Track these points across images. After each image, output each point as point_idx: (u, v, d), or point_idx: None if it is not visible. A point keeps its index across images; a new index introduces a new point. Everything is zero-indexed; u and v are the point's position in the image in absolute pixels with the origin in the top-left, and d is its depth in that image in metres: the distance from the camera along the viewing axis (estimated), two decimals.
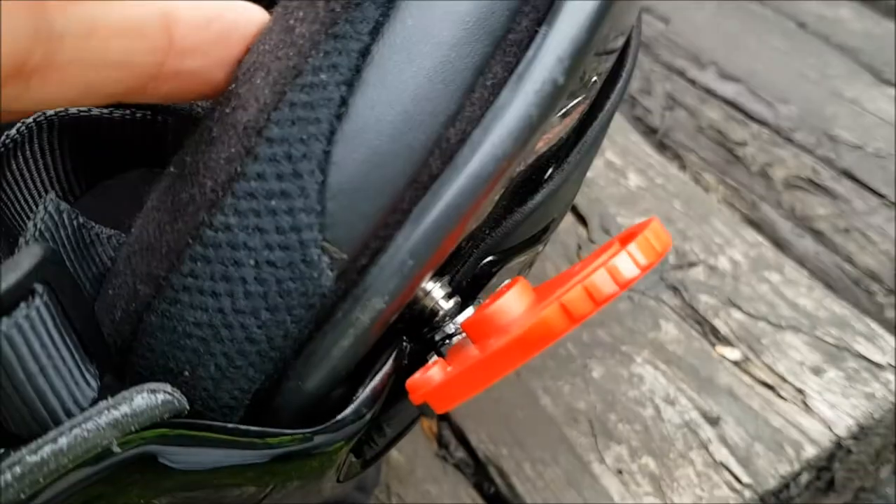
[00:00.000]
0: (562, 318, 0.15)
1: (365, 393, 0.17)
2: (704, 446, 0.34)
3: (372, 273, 0.15)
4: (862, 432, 0.34)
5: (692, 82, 0.52)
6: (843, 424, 0.34)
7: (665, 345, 0.37)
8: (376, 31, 0.15)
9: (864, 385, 0.35)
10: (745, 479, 0.32)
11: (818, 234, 0.42)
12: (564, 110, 0.18)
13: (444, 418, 0.36)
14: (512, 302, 0.17)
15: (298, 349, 0.16)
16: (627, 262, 0.15)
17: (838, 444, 0.33)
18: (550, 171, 0.20)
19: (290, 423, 0.17)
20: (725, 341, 0.38)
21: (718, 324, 0.38)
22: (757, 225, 0.43)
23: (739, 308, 0.39)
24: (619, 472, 0.33)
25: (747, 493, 0.32)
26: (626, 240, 0.17)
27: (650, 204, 0.44)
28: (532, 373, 0.37)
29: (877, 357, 0.36)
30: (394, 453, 0.34)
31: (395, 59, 0.15)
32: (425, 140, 0.15)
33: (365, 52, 0.15)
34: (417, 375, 0.17)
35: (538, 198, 0.19)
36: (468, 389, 0.16)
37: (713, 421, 0.34)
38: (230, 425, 0.16)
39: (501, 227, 0.19)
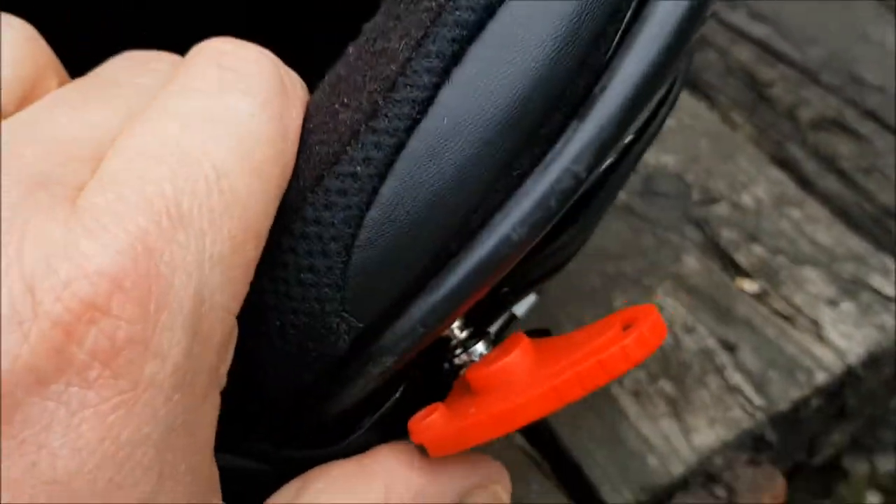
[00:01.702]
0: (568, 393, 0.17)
1: (370, 422, 0.19)
2: (720, 371, 0.35)
3: (386, 336, 0.17)
4: (873, 361, 0.35)
5: (722, 23, 0.52)
6: (855, 353, 0.35)
7: (686, 277, 0.39)
8: (412, 129, 0.16)
9: (876, 317, 0.36)
10: (758, 402, 0.34)
11: (841, 174, 0.43)
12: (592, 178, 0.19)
13: None
14: (516, 363, 0.18)
15: (317, 387, 0.18)
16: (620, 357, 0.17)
17: (849, 373, 0.35)
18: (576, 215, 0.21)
19: (306, 438, 0.19)
20: (745, 274, 0.39)
21: (739, 258, 0.39)
22: (782, 164, 0.44)
23: (760, 243, 0.40)
24: (637, 394, 0.35)
25: (759, 415, 0.33)
26: (625, 321, 0.18)
27: (678, 142, 0.45)
28: (555, 302, 0.38)
29: (890, 291, 0.37)
30: None
31: (426, 154, 0.16)
32: (445, 230, 0.16)
33: (400, 147, 0.16)
34: (419, 418, 0.19)
35: (558, 243, 0.20)
36: (464, 443, 0.18)
37: (730, 348, 0.36)
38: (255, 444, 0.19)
39: (520, 268, 0.20)
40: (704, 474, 0.33)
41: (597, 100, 0.16)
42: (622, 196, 0.43)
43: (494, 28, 0.16)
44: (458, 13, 0.16)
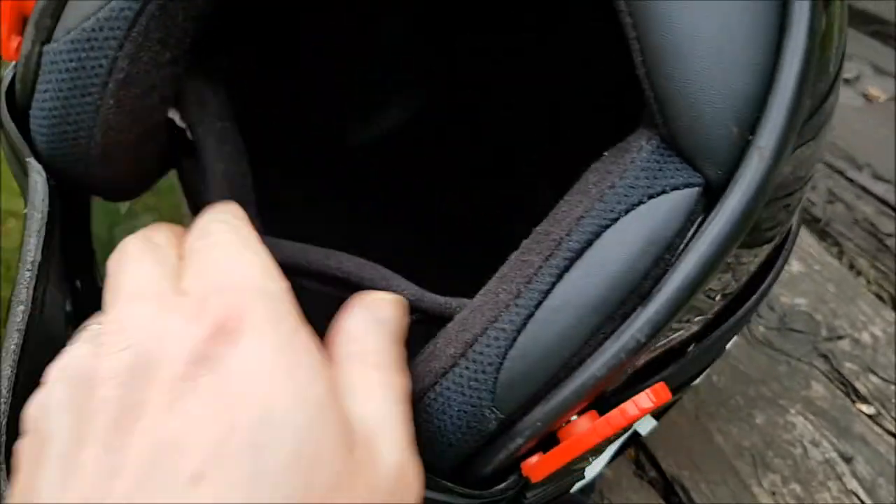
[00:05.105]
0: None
1: (511, 479, 0.27)
2: (839, 478, 0.45)
3: (518, 425, 0.25)
4: None
5: (850, 181, 0.63)
6: None
7: (814, 400, 0.49)
8: (538, 305, 0.24)
9: None
10: (869, 503, 0.44)
11: None
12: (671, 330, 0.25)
13: (641, 447, 0.49)
14: (581, 422, 0.26)
15: (473, 455, 0.26)
16: (633, 407, 0.25)
17: None
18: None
19: (467, 485, 0.27)
20: (863, 399, 0.49)
21: (859, 385, 0.49)
22: None
23: (876, 374, 0.50)
24: (773, 493, 0.45)
25: None
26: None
27: (808, 286, 0.56)
28: (708, 417, 0.49)
29: None
30: (605, 469, 0.48)
31: (545, 322, 0.24)
32: (556, 366, 0.24)
33: (529, 316, 0.25)
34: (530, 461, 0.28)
35: (653, 380, 0.27)
36: (542, 473, 0.25)
37: (848, 460, 0.46)
38: (432, 477, 0.26)
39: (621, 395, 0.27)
40: None
41: (654, 294, 0.23)
42: (762, 331, 0.54)
43: (592, 252, 0.24)
44: (570, 243, 0.24)
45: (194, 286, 0.23)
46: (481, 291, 0.27)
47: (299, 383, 0.21)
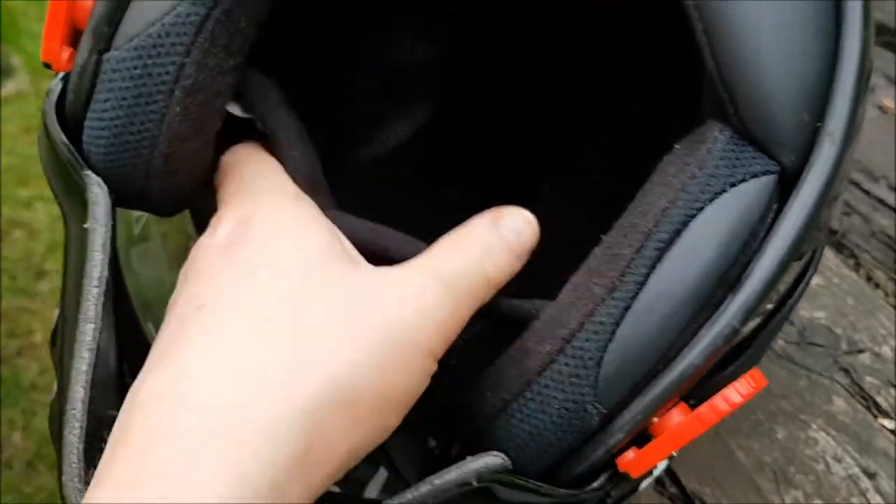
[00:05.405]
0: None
1: (603, 477, 0.27)
2: (863, 494, 0.45)
3: (617, 420, 0.25)
4: None
5: (866, 193, 0.63)
6: None
7: (836, 415, 0.49)
8: (635, 296, 0.25)
9: None
10: None
11: None
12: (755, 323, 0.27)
13: None
14: (672, 415, 0.26)
15: (571, 453, 0.26)
16: (735, 393, 0.25)
17: None
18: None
19: (560, 486, 0.27)
20: (885, 414, 0.48)
21: (880, 400, 0.49)
22: None
23: None
24: None
25: None
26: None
27: (828, 300, 0.55)
28: (729, 432, 0.49)
29: None
30: None
31: (643, 313, 0.25)
32: (654, 356, 0.25)
33: (627, 308, 0.25)
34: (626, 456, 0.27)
35: (727, 372, 0.28)
36: (639, 470, 0.26)
37: (871, 475, 0.45)
38: (532, 481, 0.26)
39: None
40: None
41: (742, 284, 0.24)
42: (781, 345, 0.53)
43: (683, 241, 0.25)
44: (659, 234, 0.25)
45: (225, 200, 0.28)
46: (566, 288, 0.27)
47: (299, 239, 0.26)
